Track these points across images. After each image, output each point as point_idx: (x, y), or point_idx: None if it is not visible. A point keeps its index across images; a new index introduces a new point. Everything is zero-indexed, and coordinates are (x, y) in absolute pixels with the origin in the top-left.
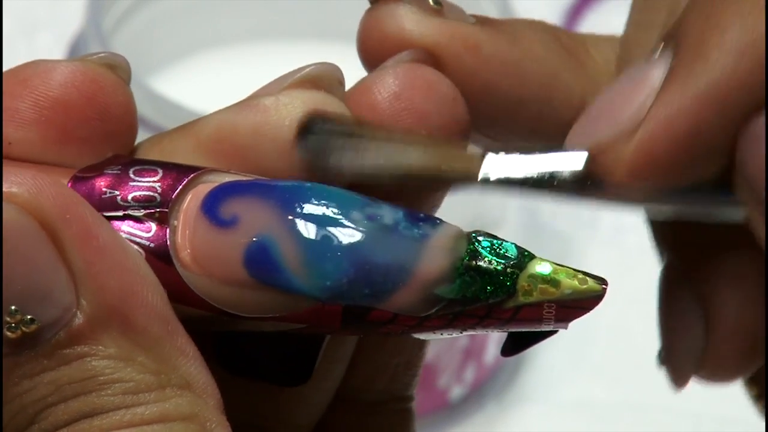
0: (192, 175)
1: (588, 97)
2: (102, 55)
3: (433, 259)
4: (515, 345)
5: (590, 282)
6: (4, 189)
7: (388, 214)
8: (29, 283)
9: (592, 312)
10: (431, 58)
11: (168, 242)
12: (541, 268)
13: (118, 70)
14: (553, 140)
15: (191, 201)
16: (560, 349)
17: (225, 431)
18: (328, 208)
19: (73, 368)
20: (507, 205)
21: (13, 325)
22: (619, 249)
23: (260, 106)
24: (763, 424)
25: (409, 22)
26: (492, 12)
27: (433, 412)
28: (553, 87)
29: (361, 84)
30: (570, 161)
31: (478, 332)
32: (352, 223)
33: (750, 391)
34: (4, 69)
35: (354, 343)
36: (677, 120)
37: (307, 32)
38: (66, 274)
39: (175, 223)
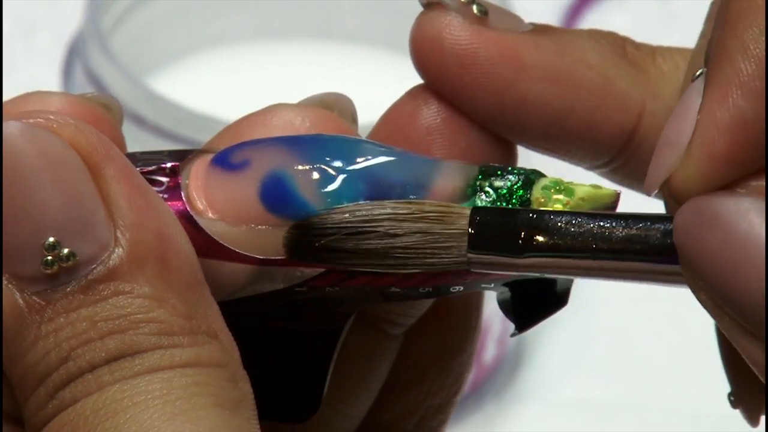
0: (199, 150)
1: (649, 103)
2: (97, 94)
3: (448, 177)
4: (523, 321)
5: (603, 188)
6: (50, 121)
7: (398, 149)
8: (70, 215)
9: (591, 311)
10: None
11: (182, 195)
12: (554, 179)
13: (111, 111)
14: (609, 146)
15: (200, 164)
16: (559, 349)
17: (248, 385)
18: (337, 143)
19: (109, 305)
20: None
21: (50, 259)
22: None
23: (277, 107)
24: (763, 424)
25: (446, 29)
26: None
27: None
28: (606, 93)
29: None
30: None
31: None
32: (364, 150)
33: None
34: (4, 68)
35: (383, 374)
36: (720, 116)
37: (308, 32)
38: (105, 211)
39: (186, 181)
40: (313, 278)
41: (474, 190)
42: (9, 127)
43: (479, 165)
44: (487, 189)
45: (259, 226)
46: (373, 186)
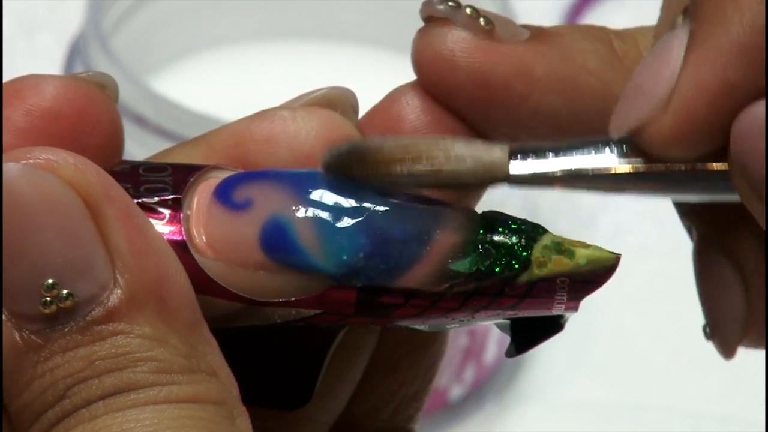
0: (202, 170)
1: None
2: (92, 73)
3: (448, 233)
4: (520, 344)
5: (604, 251)
6: (50, 161)
7: (401, 195)
8: (69, 257)
9: (592, 312)
10: (480, 84)
11: (183, 229)
12: (555, 239)
13: (107, 89)
14: None
15: (203, 191)
16: (560, 349)
17: (247, 421)
18: (341, 189)
19: (107, 344)
20: (506, 204)
21: (48, 299)
22: (618, 249)
23: (277, 116)
24: (763, 424)
25: (460, 48)
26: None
27: (433, 412)
28: (608, 98)
29: (388, 96)
30: (603, 158)
31: (490, 317)
32: (366, 201)
33: None
34: (4, 68)
35: (362, 366)
36: (705, 80)
37: (308, 32)
38: (104, 252)
39: (188, 212)
40: (310, 317)
41: (474, 246)
42: (9, 169)
43: (481, 212)
44: (488, 246)
45: (259, 271)
46: (374, 240)
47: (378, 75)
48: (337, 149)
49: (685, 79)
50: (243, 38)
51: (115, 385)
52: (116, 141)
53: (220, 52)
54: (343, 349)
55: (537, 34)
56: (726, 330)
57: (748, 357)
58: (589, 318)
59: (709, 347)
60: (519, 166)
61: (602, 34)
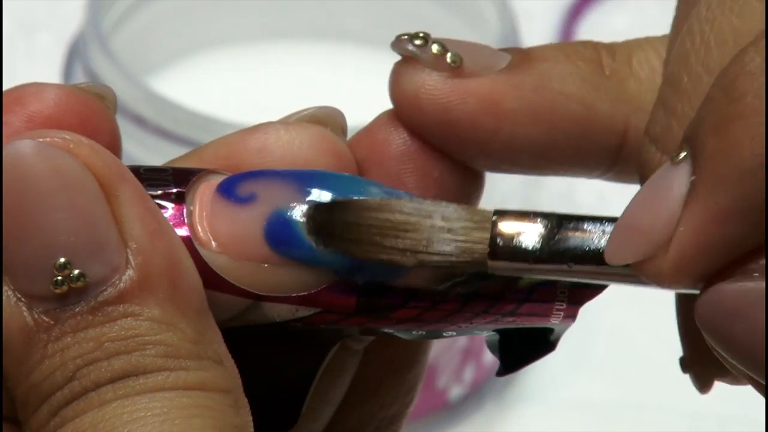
0: (203, 171)
1: (632, 119)
2: (91, 84)
3: None
4: (508, 364)
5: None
6: (66, 141)
7: (404, 192)
8: (82, 237)
9: (592, 312)
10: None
11: (186, 223)
12: None
13: (106, 101)
14: (596, 167)
15: (205, 189)
16: (560, 350)
17: (249, 415)
18: (345, 184)
19: (117, 326)
20: (506, 202)
21: (60, 279)
22: None
23: (270, 128)
24: (763, 423)
25: (423, 88)
26: (491, 12)
27: (433, 412)
28: (589, 120)
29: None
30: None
31: (489, 322)
32: (369, 195)
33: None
34: (4, 69)
35: (344, 389)
36: (705, 234)
37: (308, 32)
38: (117, 234)
39: (192, 208)
40: (310, 316)
41: None
42: (24, 145)
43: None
44: None
45: (262, 264)
46: None
47: (378, 75)
48: (322, 209)
49: (685, 231)
50: (243, 38)
51: (123, 369)
52: (115, 152)
53: (220, 52)
54: (327, 372)
55: (516, 61)
56: (703, 368)
57: None
58: (589, 318)
59: None
60: (500, 261)
61: (591, 52)
